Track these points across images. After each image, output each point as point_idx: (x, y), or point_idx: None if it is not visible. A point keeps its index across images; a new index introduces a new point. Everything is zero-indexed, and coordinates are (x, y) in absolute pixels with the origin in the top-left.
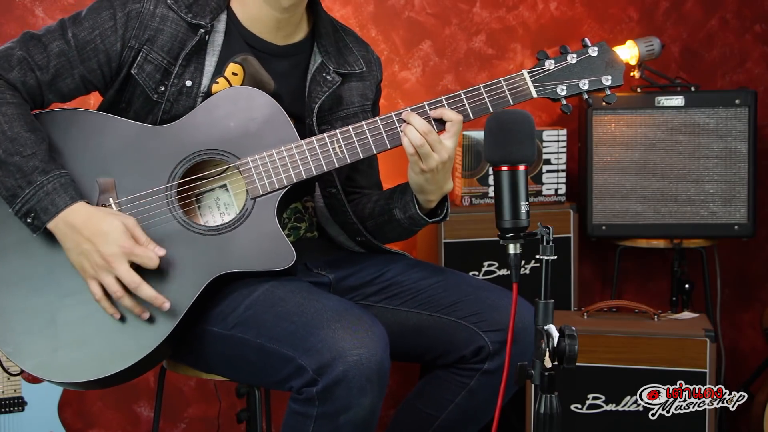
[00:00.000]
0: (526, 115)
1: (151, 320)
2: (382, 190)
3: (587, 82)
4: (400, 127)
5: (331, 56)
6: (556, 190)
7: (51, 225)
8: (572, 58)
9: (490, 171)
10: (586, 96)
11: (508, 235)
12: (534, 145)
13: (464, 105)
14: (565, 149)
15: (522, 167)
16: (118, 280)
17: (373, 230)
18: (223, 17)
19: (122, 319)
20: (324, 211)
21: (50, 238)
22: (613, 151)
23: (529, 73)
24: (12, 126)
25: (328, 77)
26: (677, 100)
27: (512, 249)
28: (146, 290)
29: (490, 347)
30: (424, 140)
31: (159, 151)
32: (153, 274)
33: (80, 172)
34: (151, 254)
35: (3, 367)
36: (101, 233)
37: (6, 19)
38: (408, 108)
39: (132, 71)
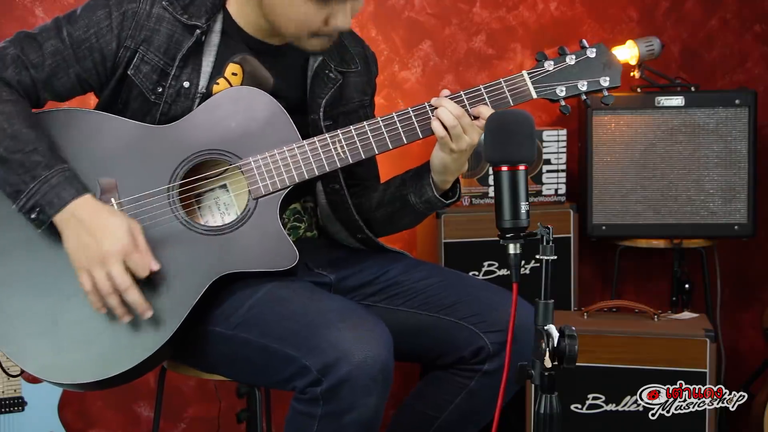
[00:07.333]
0: (527, 116)
1: (154, 321)
2: (380, 181)
3: (586, 83)
4: (400, 126)
5: (332, 55)
6: (556, 190)
7: (57, 218)
8: (571, 60)
9: (490, 171)
10: (584, 97)
11: (508, 235)
12: (534, 145)
13: (465, 104)
14: (565, 149)
15: (522, 167)
16: (109, 278)
17: (383, 220)
18: (219, 18)
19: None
20: (326, 207)
21: (53, 237)
22: (613, 151)
23: (528, 74)
24: (12, 123)
25: (331, 74)
26: (677, 100)
27: (512, 249)
28: (133, 294)
29: (489, 348)
30: (458, 122)
31: (160, 151)
32: (156, 275)
33: (81, 173)
34: (146, 263)
35: (3, 368)
36: (105, 229)
37: (6, 19)
38: (444, 95)
39: (128, 72)
